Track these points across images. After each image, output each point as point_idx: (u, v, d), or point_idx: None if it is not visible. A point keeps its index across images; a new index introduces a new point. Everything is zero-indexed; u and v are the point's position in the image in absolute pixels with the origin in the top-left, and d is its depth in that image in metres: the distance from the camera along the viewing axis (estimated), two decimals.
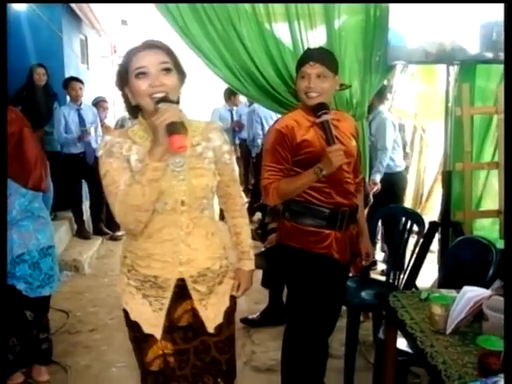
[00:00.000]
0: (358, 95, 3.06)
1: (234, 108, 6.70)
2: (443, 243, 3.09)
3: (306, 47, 2.85)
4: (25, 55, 5.18)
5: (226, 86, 4.69)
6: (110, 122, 6.82)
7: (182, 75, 1.59)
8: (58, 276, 2.72)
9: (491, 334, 1.46)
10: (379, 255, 4.65)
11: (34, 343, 2.66)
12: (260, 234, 3.16)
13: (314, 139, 2.11)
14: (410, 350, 2.05)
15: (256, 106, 5.86)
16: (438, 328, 1.66)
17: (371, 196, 3.94)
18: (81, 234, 5.38)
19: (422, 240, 2.90)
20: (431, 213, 5.59)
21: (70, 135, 5.17)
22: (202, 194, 1.61)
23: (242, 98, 6.71)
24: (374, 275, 3.95)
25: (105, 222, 5.61)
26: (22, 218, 2.48)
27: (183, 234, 1.61)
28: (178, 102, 1.61)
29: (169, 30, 2.95)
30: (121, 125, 5.95)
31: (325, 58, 2.13)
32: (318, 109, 2.07)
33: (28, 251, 2.51)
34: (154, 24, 5.58)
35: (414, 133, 6.27)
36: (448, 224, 3.08)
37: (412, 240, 2.99)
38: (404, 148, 4.95)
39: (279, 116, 2.94)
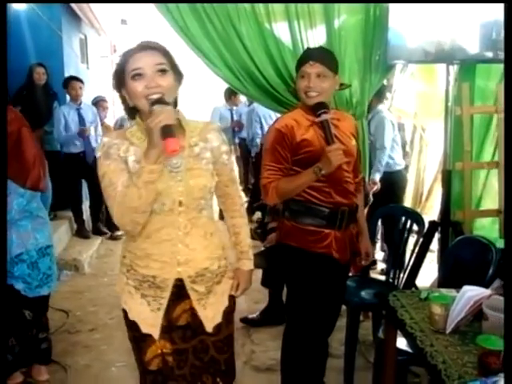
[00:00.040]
0: (358, 94, 3.06)
1: (234, 108, 6.71)
2: (443, 243, 3.09)
3: (305, 47, 2.84)
4: (24, 55, 5.17)
5: (226, 85, 4.68)
6: (110, 121, 6.81)
7: (178, 76, 1.59)
8: (56, 275, 2.73)
9: (491, 334, 1.46)
10: (379, 254, 4.64)
11: (33, 343, 2.66)
12: (260, 233, 3.17)
13: (313, 139, 2.11)
14: (409, 350, 2.05)
15: (255, 105, 5.87)
16: (437, 327, 1.66)
17: (371, 195, 3.94)
18: (80, 233, 5.38)
19: (421, 239, 2.90)
20: (431, 212, 5.58)
21: (70, 133, 5.16)
22: (199, 195, 1.60)
23: (242, 98, 6.71)
24: (374, 275, 3.96)
25: (104, 222, 5.61)
26: (20, 217, 2.48)
27: (181, 234, 1.61)
28: (175, 103, 1.61)
29: (169, 30, 2.95)
30: (120, 124, 5.94)
31: (325, 57, 2.13)
32: (318, 108, 2.07)
33: (26, 251, 2.51)
34: (153, 24, 5.60)
35: (414, 132, 6.26)
36: (448, 223, 3.07)
37: (412, 239, 2.99)
38: (404, 147, 4.95)
39: (278, 115, 2.95)
